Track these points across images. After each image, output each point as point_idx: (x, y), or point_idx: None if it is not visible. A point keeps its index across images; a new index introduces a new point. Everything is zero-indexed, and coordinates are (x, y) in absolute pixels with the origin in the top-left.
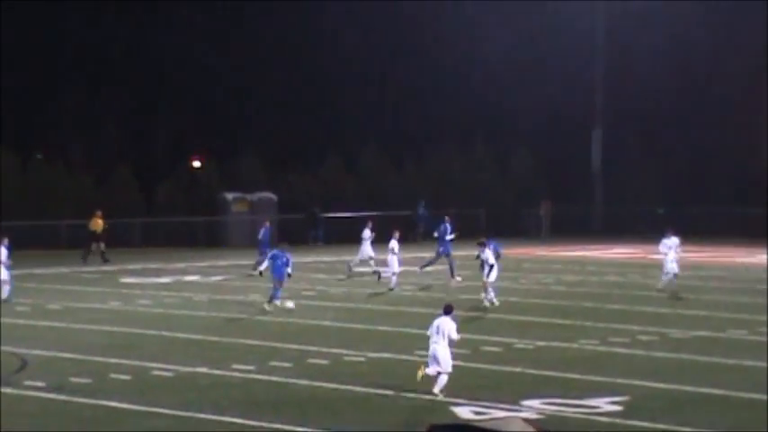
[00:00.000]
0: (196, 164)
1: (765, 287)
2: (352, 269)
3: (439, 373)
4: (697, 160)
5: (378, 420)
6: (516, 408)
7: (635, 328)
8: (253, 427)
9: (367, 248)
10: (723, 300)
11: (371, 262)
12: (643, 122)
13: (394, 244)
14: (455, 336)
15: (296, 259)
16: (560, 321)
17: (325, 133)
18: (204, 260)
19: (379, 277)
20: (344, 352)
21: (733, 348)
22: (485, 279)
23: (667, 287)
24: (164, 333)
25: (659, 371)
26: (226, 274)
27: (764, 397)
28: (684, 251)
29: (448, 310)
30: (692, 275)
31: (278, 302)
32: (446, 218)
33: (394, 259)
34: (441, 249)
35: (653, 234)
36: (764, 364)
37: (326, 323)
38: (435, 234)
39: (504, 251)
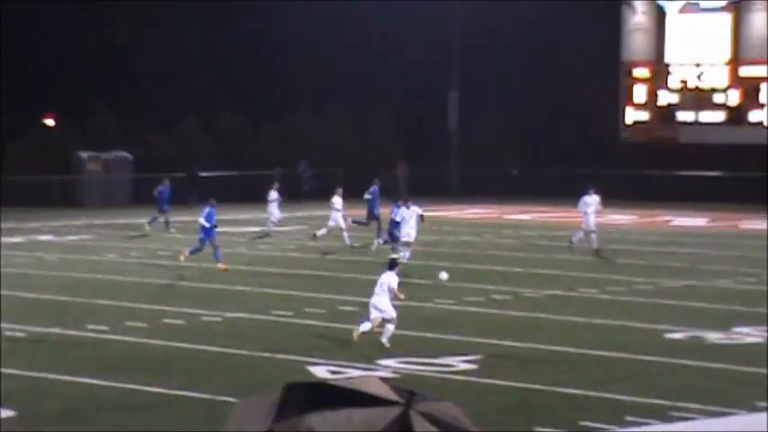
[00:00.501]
0: (49, 122)
1: (617, 247)
2: (269, 232)
3: (384, 322)
4: (551, 121)
5: (233, 380)
6: (372, 367)
7: (489, 287)
8: (106, 387)
9: (274, 209)
10: (575, 259)
11: (271, 223)
12: (499, 84)
13: (336, 200)
14: (394, 286)
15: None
16: (416, 281)
17: (181, 92)
18: (58, 220)
19: (314, 237)
20: (201, 312)
21: (584, 307)
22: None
23: (580, 243)
24: (16, 293)
25: (512, 329)
26: (80, 234)
27: (614, 354)
28: (538, 212)
29: (392, 266)
30: (545, 235)
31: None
32: (375, 179)
33: (338, 216)
34: (375, 212)
35: (507, 194)
36: (614, 322)
37: (183, 283)
38: (367, 196)
39: (362, 212)
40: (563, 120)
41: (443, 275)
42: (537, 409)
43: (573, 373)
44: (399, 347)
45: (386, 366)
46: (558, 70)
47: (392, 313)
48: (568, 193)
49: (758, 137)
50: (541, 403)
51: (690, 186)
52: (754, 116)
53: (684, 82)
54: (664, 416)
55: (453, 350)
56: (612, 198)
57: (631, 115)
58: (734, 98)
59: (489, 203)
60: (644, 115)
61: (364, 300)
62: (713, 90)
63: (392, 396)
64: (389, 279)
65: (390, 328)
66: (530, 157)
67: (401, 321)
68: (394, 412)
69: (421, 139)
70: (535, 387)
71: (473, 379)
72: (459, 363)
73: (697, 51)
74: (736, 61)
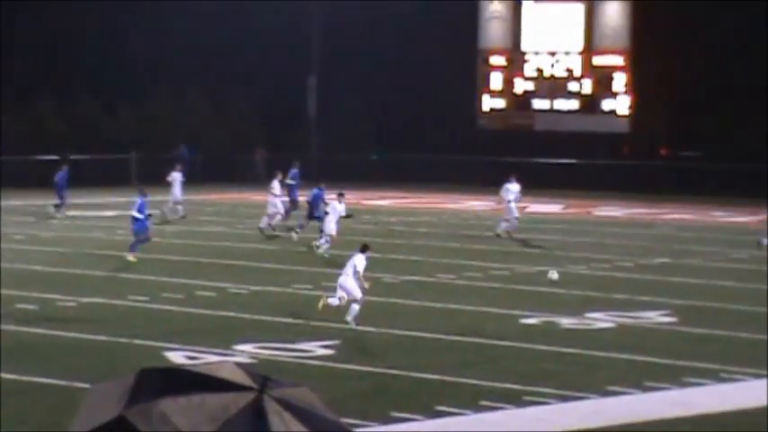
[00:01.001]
0: None
1: (473, 233)
2: (180, 214)
3: (349, 302)
4: (410, 108)
5: (89, 365)
6: (229, 352)
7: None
8: None
9: (177, 190)
10: (433, 245)
11: (179, 207)
12: (357, 69)
13: (275, 185)
14: (360, 269)
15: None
16: (275, 266)
17: (36, 74)
18: None
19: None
20: (56, 297)
21: (441, 292)
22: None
23: (506, 231)
24: None
25: (371, 315)
26: None
27: (470, 339)
28: (396, 197)
29: (363, 249)
30: (403, 221)
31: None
32: (295, 162)
33: (277, 201)
34: (295, 195)
35: (366, 180)
36: (470, 308)
37: (37, 268)
38: (290, 181)
39: (221, 196)
40: (421, 106)
41: (554, 275)
42: (393, 393)
43: (429, 358)
44: (257, 333)
45: (243, 352)
46: (417, 57)
47: (358, 294)
48: (426, 179)
49: (611, 125)
50: (398, 388)
51: (545, 173)
52: (607, 105)
53: (540, 70)
54: (518, 400)
55: (311, 335)
56: (469, 184)
57: (488, 102)
58: (587, 87)
59: (348, 189)
60: (500, 103)
61: (220, 285)
62: (568, 78)
63: (246, 381)
64: (358, 261)
65: (356, 307)
66: (388, 142)
67: (259, 307)
68: (247, 397)
69: (280, 124)
70: (392, 372)
71: (330, 364)
72: (317, 348)
73: (552, 40)
74: (589, 50)
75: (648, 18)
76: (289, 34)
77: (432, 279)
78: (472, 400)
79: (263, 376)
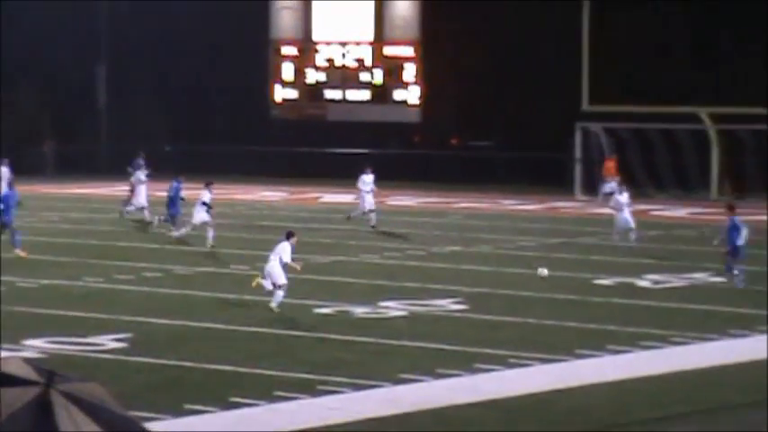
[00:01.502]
0: None
1: (267, 223)
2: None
3: (274, 287)
4: (202, 98)
5: None
6: (17, 347)
7: (141, 264)
8: None
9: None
10: (227, 236)
11: None
12: (148, 59)
13: (140, 175)
14: (286, 258)
15: None
16: (66, 259)
17: None
18: None
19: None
20: None
21: (236, 283)
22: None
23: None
24: None
25: (164, 307)
26: None
27: (264, 330)
28: (192, 189)
29: (288, 236)
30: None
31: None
32: (141, 153)
33: (142, 189)
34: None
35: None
36: (264, 298)
37: None
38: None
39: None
40: (215, 96)
41: (543, 271)
42: (187, 386)
43: (223, 350)
44: (47, 326)
45: (33, 346)
46: (209, 47)
47: (283, 281)
48: (220, 170)
49: (402, 115)
50: (191, 380)
51: (338, 163)
52: (399, 95)
53: (331, 60)
54: (312, 390)
55: (103, 328)
56: (263, 175)
57: (280, 93)
58: (378, 77)
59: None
60: (293, 93)
61: (9, 279)
62: (359, 69)
63: (32, 376)
64: (283, 249)
65: (280, 294)
66: (182, 133)
67: (49, 300)
68: (33, 392)
69: (69, 115)
70: (185, 364)
71: (123, 357)
72: (109, 341)
73: (343, 30)
74: (380, 41)
75: (438, 9)
76: (76, 22)
77: (226, 270)
78: (266, 391)
79: (50, 371)
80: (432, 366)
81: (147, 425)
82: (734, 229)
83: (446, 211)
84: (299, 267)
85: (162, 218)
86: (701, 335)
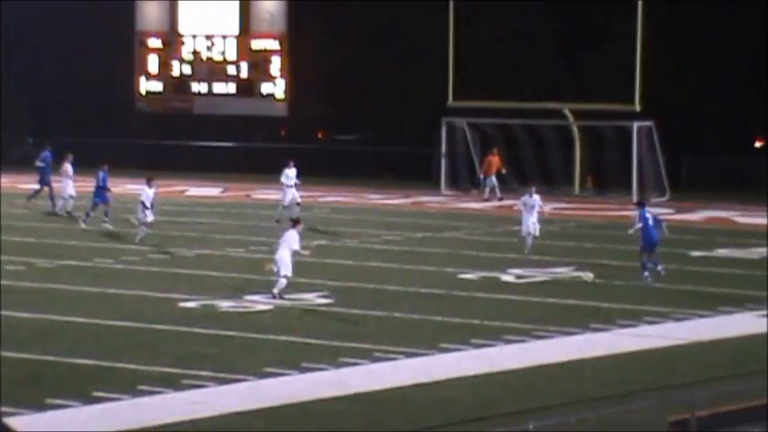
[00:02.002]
0: None
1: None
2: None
3: (279, 277)
4: (68, 90)
5: None
6: None
7: (2, 258)
8: None
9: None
10: (89, 230)
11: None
12: (11, 51)
13: (67, 167)
14: (296, 246)
15: None
16: None
17: None
18: None
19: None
20: None
21: (99, 277)
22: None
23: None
24: None
25: (25, 301)
26: None
27: (128, 324)
28: (56, 182)
29: (294, 224)
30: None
31: None
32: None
33: (69, 183)
34: (47, 179)
35: (22, 164)
36: (129, 292)
37: None
38: (39, 163)
39: None
40: (80, 89)
41: (589, 276)
42: (48, 380)
43: (86, 344)
44: None
45: None
46: (73, 38)
47: (289, 271)
48: (85, 163)
49: (269, 109)
50: (53, 374)
51: (205, 157)
52: (265, 88)
53: (197, 53)
54: (176, 384)
55: None
56: (128, 168)
57: (145, 85)
58: (245, 70)
59: (5, 174)
60: (158, 86)
61: None
62: (225, 62)
63: None
64: (292, 237)
65: (283, 281)
66: (47, 126)
67: None
68: None
69: None
70: (47, 359)
71: None
72: None
73: (209, 23)
74: (246, 34)
75: (304, 3)
76: None
77: (89, 263)
78: (129, 385)
79: None
80: (297, 360)
81: (9, 420)
82: (656, 225)
83: (312, 204)
84: (307, 253)
85: (87, 215)
86: (563, 329)
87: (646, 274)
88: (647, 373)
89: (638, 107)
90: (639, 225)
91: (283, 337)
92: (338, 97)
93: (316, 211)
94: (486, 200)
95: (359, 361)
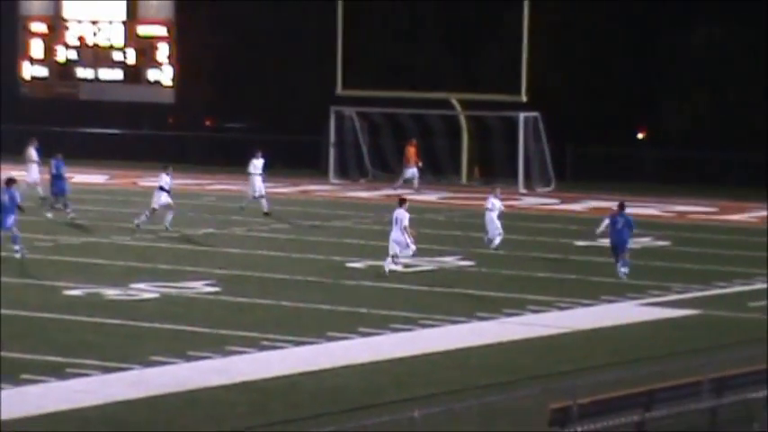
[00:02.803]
0: None
1: (28, 204)
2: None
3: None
4: None
5: None
6: None
7: None
8: None
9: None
10: None
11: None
12: None
13: (32, 152)
14: (406, 222)
15: None
16: None
17: None
18: None
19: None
20: None
21: None
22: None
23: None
24: None
25: None
26: None
27: (11, 312)
28: None
29: (401, 203)
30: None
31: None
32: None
33: (34, 167)
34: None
35: None
36: (13, 280)
37: None
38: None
39: None
40: None
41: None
42: None
43: None
44: None
45: None
46: None
47: (407, 244)
48: None
49: (156, 95)
50: None
51: (91, 143)
52: (152, 75)
53: (82, 38)
54: (60, 372)
55: None
56: (12, 154)
57: (29, 71)
58: (132, 57)
59: None
60: (43, 71)
61: None
62: (111, 48)
63: None
64: (402, 215)
65: (409, 253)
66: None
67: None
68: None
69: None
70: None
71: None
72: None
73: (95, 8)
74: (133, 20)
75: None
76: None
77: None
78: (13, 374)
79: None
80: (183, 348)
81: None
82: (626, 226)
83: (200, 192)
84: (415, 233)
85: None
86: (449, 317)
87: (622, 269)
88: (532, 361)
89: (524, 98)
90: (604, 225)
91: (169, 326)
92: (226, 85)
93: (204, 200)
94: (395, 188)
95: (246, 349)
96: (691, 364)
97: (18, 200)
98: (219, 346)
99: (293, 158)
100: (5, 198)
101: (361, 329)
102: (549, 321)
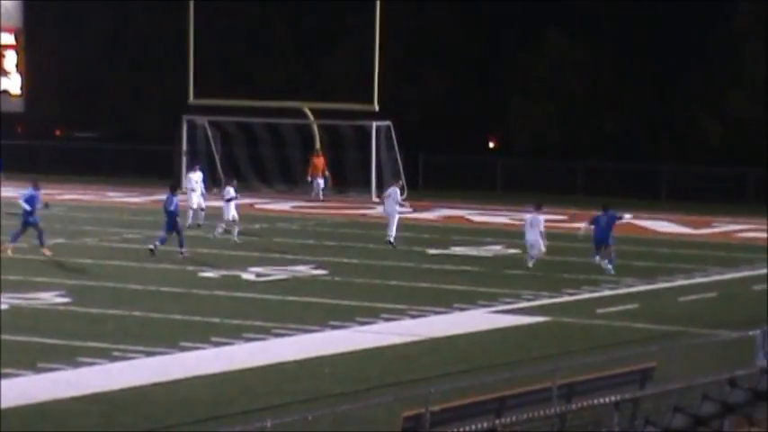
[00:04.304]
0: None
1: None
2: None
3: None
4: None
5: None
6: None
7: None
8: None
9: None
10: None
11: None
12: None
13: None
14: (542, 227)
15: None
16: None
17: None
18: None
19: None
20: None
21: None
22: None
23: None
24: None
25: None
26: None
27: None
28: None
29: (538, 207)
30: None
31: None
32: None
33: None
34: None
35: None
36: None
37: None
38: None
39: None
40: None
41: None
42: None
43: None
44: None
45: None
46: None
47: (542, 247)
48: None
49: (5, 105)
50: None
51: None
52: (1, 83)
53: None
54: None
55: None
56: None
57: None
58: None
59: None
60: None
61: None
62: None
63: None
64: (538, 219)
65: (536, 253)
66: None
67: None
68: None
69: None
70: None
71: None
72: None
73: None
74: None
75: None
76: None
77: None
78: None
79: None
80: (33, 361)
81: None
82: (608, 227)
83: (50, 202)
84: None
85: None
86: (303, 326)
87: (608, 265)
88: (385, 369)
89: (376, 107)
90: (584, 225)
91: (18, 337)
92: (77, 94)
93: (54, 210)
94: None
95: (97, 360)
96: (540, 371)
97: None
98: (70, 358)
99: (145, 168)
100: None
101: (214, 339)
102: (401, 330)
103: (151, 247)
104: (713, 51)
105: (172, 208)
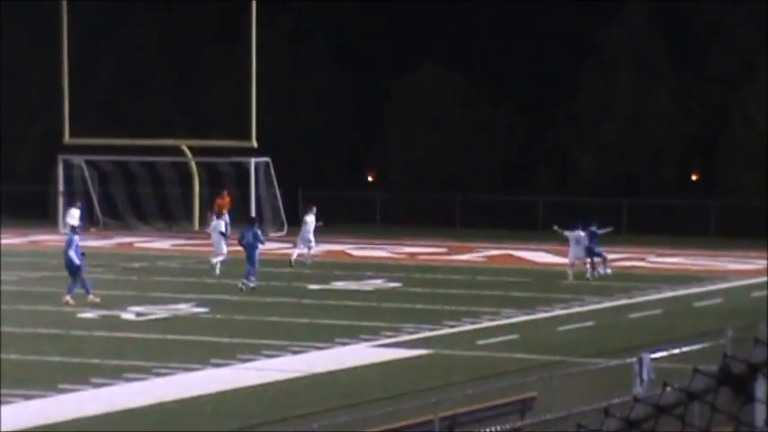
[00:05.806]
0: None
1: None
2: None
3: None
4: None
5: None
6: None
7: None
8: None
9: None
10: None
11: None
12: None
13: None
14: (586, 242)
15: None
16: None
17: None
18: None
19: None
20: None
21: None
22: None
23: None
24: None
25: None
26: None
27: None
28: None
29: (586, 225)
30: None
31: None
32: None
33: None
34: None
35: None
36: None
37: None
38: None
39: None
40: None
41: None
42: None
43: None
44: None
45: None
46: None
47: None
48: None
49: None
50: None
51: None
52: None
53: None
54: None
55: None
56: None
57: None
58: None
59: None
60: None
61: None
62: None
63: None
64: (579, 237)
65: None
66: None
67: None
68: None
69: None
70: None
71: None
72: None
73: None
74: None
75: None
76: None
77: None
78: None
79: None
80: None
81: None
82: (594, 236)
83: None
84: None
85: None
86: (184, 365)
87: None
88: (267, 406)
89: (254, 143)
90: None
91: None
92: None
93: None
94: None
95: None
96: (423, 403)
97: None
98: None
99: (20, 208)
100: None
101: (94, 380)
102: (283, 366)
103: (67, 297)
104: (585, 81)
105: (73, 250)
